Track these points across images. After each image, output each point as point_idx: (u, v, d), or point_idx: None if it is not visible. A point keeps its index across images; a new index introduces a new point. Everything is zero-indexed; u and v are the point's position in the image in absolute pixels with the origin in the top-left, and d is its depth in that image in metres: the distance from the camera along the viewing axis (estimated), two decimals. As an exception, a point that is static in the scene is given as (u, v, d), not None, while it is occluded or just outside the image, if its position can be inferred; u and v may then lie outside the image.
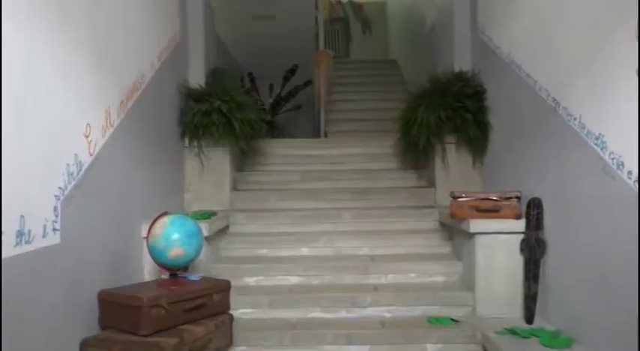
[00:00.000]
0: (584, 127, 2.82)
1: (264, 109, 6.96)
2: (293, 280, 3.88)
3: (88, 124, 2.66)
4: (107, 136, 2.89)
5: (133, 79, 3.35)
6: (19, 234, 2.04)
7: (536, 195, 3.41)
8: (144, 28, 3.61)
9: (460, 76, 4.70)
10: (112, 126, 2.96)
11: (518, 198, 3.57)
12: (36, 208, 2.16)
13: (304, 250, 4.24)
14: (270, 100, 8.58)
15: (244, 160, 5.34)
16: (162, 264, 2.96)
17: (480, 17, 4.56)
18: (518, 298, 3.46)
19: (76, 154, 2.53)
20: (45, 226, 2.22)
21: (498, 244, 3.51)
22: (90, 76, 2.71)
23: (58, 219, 2.33)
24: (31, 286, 2.14)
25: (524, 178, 3.63)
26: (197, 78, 4.87)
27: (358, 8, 11.47)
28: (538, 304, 3.33)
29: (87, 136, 2.65)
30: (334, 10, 11.04)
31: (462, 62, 4.85)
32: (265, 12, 8.08)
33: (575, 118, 2.92)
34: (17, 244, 2.02)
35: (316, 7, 8.17)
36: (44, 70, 2.26)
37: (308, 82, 8.28)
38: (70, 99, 2.50)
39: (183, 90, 4.59)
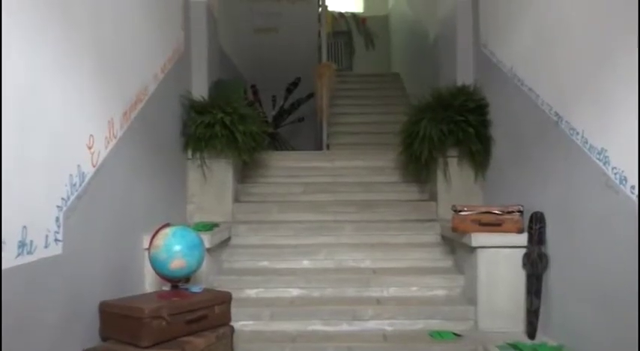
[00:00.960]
0: (586, 142, 2.82)
1: (266, 122, 6.97)
2: (294, 292, 3.87)
3: (91, 135, 2.67)
4: (110, 147, 2.90)
5: (137, 90, 3.36)
6: (21, 244, 2.04)
7: (538, 209, 3.40)
8: (148, 39, 3.64)
9: (462, 90, 4.72)
10: (114, 137, 2.97)
11: (521, 212, 3.56)
12: (38, 218, 2.16)
13: (306, 263, 4.23)
14: (273, 113, 8.61)
15: (247, 172, 5.35)
16: (163, 275, 2.95)
17: (483, 32, 4.59)
18: (521, 312, 3.44)
19: (78, 165, 2.53)
20: (47, 236, 2.23)
21: (500, 259, 3.50)
22: (93, 87, 2.73)
23: (60, 230, 2.33)
24: (32, 296, 2.14)
25: (527, 192, 3.63)
26: (200, 90, 4.89)
27: (361, 22, 11.55)
28: (540, 319, 3.31)
29: (90, 147, 2.66)
30: (337, 23, 11.12)
31: (465, 76, 4.86)
32: (268, 25, 8.15)
33: (577, 133, 2.92)
34: (19, 254, 2.02)
35: (319, 20, 8.22)
36: (47, 81, 2.27)
37: (310, 95, 8.31)
38: (74, 110, 2.51)
39: (186, 102, 4.61)
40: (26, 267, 2.07)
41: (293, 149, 7.95)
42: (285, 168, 5.53)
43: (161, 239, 2.90)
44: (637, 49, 2.35)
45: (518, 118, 3.84)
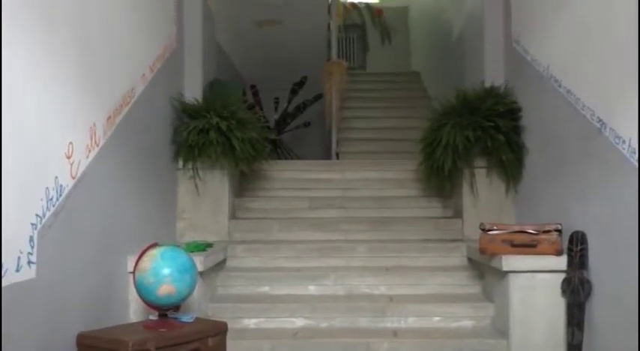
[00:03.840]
0: (635, 152, 2.80)
1: (268, 127, 7.00)
2: (298, 322, 3.86)
3: (70, 142, 2.69)
4: (92, 156, 2.92)
5: (122, 92, 3.39)
6: (-10, 268, 2.04)
7: (579, 228, 3.38)
8: (135, 35, 3.67)
9: (491, 92, 4.73)
10: (97, 145, 2.99)
11: (559, 231, 3.54)
12: (9, 238, 2.17)
13: (311, 289, 4.22)
14: (276, 117, 8.66)
15: (245, 184, 5.36)
16: (150, 303, 2.94)
17: (515, 26, 4.60)
18: (560, 347, 3.42)
19: (56, 177, 2.54)
20: (19, 258, 2.23)
21: (536, 285, 3.49)
22: (73, 89, 2.75)
23: (34, 251, 2.34)
24: (2, 327, 2.14)
25: (566, 208, 3.61)
26: (193, 91, 4.93)
27: (376, 14, 11.60)
28: (583, 355, 3.29)
29: (69, 157, 2.67)
30: (349, 15, 11.18)
31: (494, 76, 4.88)
32: (271, 17, 8.18)
33: (624, 141, 2.91)
34: (-14, 279, 2.03)
35: (329, 11, 8.27)
36: (21, 83, 2.29)
37: (318, 97, 8.34)
38: (51, 115, 2.53)
39: (177, 105, 4.64)
40: (-5, 293, 2.07)
41: (298, 158, 7.97)
42: (289, 180, 5.55)
43: (148, 261, 2.90)
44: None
45: (555, 124, 3.83)
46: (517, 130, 4.52)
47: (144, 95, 3.73)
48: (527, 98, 4.39)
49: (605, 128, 3.11)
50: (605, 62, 3.12)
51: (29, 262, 2.30)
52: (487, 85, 4.85)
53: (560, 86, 3.70)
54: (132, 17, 3.61)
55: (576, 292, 3.32)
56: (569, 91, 3.57)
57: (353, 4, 11.47)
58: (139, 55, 3.73)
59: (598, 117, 3.19)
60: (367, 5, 11.66)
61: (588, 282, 3.29)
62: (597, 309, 3.23)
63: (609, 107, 3.08)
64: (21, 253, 2.24)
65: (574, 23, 3.53)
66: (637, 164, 2.77)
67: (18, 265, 2.22)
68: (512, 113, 4.55)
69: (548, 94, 3.87)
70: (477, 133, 4.55)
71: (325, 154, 7.71)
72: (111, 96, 3.22)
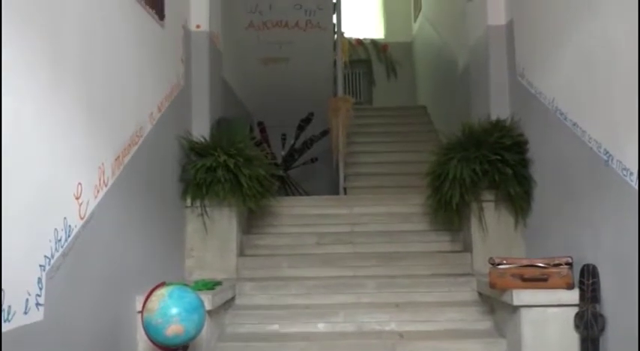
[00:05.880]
0: (642, 184, 2.80)
1: (275, 164, 7.04)
2: (309, 361, 3.82)
3: (79, 183, 2.72)
4: (100, 196, 2.95)
5: (131, 132, 3.43)
6: (-2, 311, 2.05)
7: (590, 261, 3.36)
8: (144, 76, 3.73)
9: (497, 125, 4.74)
10: (105, 185, 3.02)
11: (570, 264, 3.52)
12: (18, 280, 2.18)
13: (321, 326, 4.18)
14: (283, 153, 8.69)
15: (253, 221, 5.36)
16: (158, 343, 2.93)
17: (519, 59, 4.64)
18: (574, 384, 3.36)
19: (65, 218, 2.57)
20: (27, 300, 2.24)
21: (548, 319, 3.45)
22: (83, 131, 2.79)
23: (42, 292, 2.35)
24: (9, 369, 2.14)
25: (575, 241, 3.59)
26: (201, 129, 4.97)
27: (382, 49, 11.74)
28: (598, 392, 3.23)
29: (77, 198, 2.70)
30: (355, 51, 11.32)
31: (500, 109, 4.90)
32: (278, 54, 8.30)
33: (631, 173, 2.91)
34: (-5, 323, 2.03)
35: (334, 48, 8.38)
36: (32, 126, 2.33)
37: (325, 132, 8.39)
38: (60, 156, 2.56)
39: (185, 143, 4.68)
40: (3, 337, 2.06)
41: (306, 194, 7.98)
42: (297, 216, 5.54)
43: (156, 301, 2.90)
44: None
45: (562, 157, 3.83)
46: (524, 163, 4.51)
47: (152, 134, 3.78)
48: (534, 131, 4.40)
49: (612, 160, 3.11)
50: (610, 94, 3.14)
51: (37, 304, 2.31)
52: (493, 118, 4.86)
53: (565, 119, 3.71)
54: (140, 57, 3.68)
55: (590, 326, 3.28)
56: (574, 124, 3.58)
57: (358, 41, 11.63)
58: (147, 94, 3.79)
59: (605, 149, 3.20)
60: (373, 41, 11.81)
61: (601, 316, 3.25)
62: (612, 343, 3.18)
63: (615, 139, 3.09)
64: (29, 295, 2.25)
65: (577, 56, 3.56)
66: (645, 196, 2.77)
67: (26, 307, 2.22)
68: (519, 146, 4.56)
69: (554, 126, 3.88)
70: (484, 167, 4.55)
71: (333, 189, 7.72)
72: (119, 136, 3.26)
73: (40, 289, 2.33)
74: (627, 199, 2.94)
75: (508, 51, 4.88)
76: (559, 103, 3.82)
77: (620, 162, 3.02)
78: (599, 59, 3.26)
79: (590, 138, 3.36)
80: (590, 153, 3.34)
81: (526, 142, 4.54)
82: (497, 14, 5.00)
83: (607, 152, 3.17)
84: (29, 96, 2.32)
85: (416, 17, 10.99)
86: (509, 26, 4.84)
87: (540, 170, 4.32)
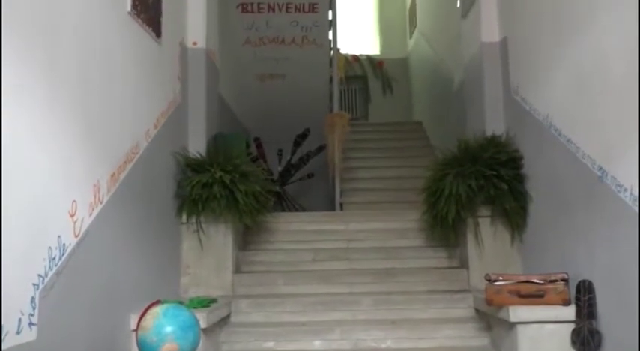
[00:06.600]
0: (636, 200, 2.81)
1: (272, 180, 7.03)
2: (305, 379, 3.80)
3: (74, 201, 2.71)
4: (95, 214, 2.94)
5: (126, 149, 3.43)
6: (-10, 331, 2.04)
7: (585, 277, 3.35)
8: (140, 93, 3.74)
9: (492, 141, 4.76)
10: (100, 202, 3.01)
11: (566, 280, 3.51)
12: (11, 299, 2.16)
13: (317, 343, 4.16)
14: (279, 169, 8.69)
15: (249, 237, 5.35)
16: (152, 362, 2.91)
17: (513, 76, 4.66)
18: (572, 401, 3.34)
19: (59, 236, 2.56)
20: (20, 319, 2.22)
21: (545, 336, 3.44)
22: (78, 148, 2.79)
23: (36, 311, 2.33)
24: (2, 390, 2.12)
25: (571, 257, 3.59)
26: (197, 145, 4.97)
27: (378, 65, 11.80)
28: (595, 409, 3.21)
29: (72, 215, 2.69)
30: (351, 67, 11.37)
31: (495, 125, 4.92)
32: (274, 71, 8.34)
33: (625, 189, 2.92)
34: (-14, 343, 2.02)
35: (330, 64, 8.42)
36: (27, 143, 2.33)
37: (321, 148, 8.40)
38: (55, 173, 2.56)
39: (181, 159, 4.68)
40: (-5, 357, 2.06)
41: (302, 210, 7.97)
42: (293, 232, 5.53)
43: (150, 320, 2.87)
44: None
45: (556, 173, 3.84)
46: (520, 178, 4.52)
47: (148, 151, 3.78)
48: (529, 147, 4.42)
49: (606, 177, 3.12)
50: (603, 111, 3.16)
51: (30, 324, 2.29)
52: (488, 134, 4.88)
53: (560, 135, 3.73)
54: (137, 75, 3.69)
55: (586, 342, 3.26)
56: (569, 140, 3.59)
57: (355, 57, 11.68)
58: (143, 111, 3.79)
59: (599, 165, 3.21)
60: (369, 57, 11.87)
61: (598, 332, 3.24)
62: (608, 360, 3.17)
63: (609, 156, 3.10)
64: (22, 314, 2.24)
65: (571, 73, 3.58)
66: (638, 212, 2.77)
67: (19, 327, 2.21)
68: (514, 162, 4.57)
69: (549, 143, 3.90)
70: (479, 182, 4.55)
71: (329, 204, 7.71)
72: (115, 153, 3.26)
73: (34, 308, 2.32)
74: (622, 215, 2.94)
75: (502, 68, 4.91)
76: (553, 120, 3.84)
77: (615, 178, 3.02)
78: (593, 76, 3.28)
79: (585, 154, 3.37)
80: (585, 169, 3.35)
81: (521, 158, 4.55)
82: (491, 31, 5.04)
83: (601, 168, 3.18)
84: (25, 113, 2.32)
85: (411, 34, 11.05)
86: (504, 43, 4.88)
87: (535, 186, 4.33)
